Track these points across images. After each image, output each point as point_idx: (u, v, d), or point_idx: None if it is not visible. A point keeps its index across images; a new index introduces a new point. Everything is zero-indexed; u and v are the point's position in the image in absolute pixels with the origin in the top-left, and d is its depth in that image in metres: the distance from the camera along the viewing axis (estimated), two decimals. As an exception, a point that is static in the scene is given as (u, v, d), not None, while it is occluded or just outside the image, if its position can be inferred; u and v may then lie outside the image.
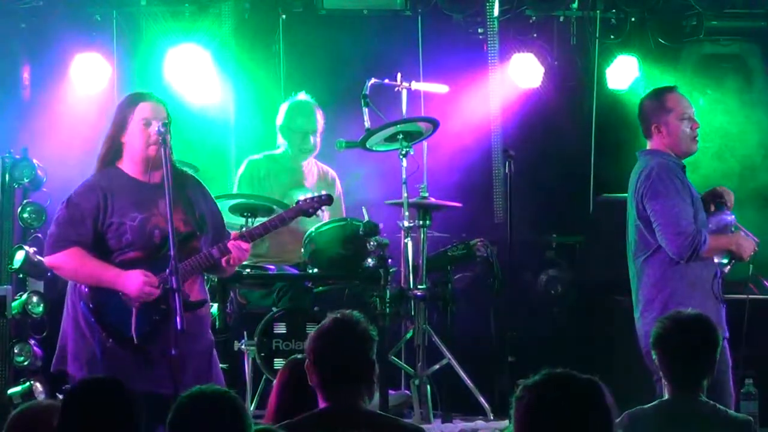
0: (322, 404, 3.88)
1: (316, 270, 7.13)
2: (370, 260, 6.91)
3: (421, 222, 7.04)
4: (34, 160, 7.70)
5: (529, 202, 8.34)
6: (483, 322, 8.07)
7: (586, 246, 8.68)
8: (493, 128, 8.87)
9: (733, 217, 5.99)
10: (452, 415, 7.04)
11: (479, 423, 6.93)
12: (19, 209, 7.66)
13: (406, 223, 6.95)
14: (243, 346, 6.87)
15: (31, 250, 7.52)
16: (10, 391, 7.30)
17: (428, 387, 6.93)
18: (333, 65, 8.56)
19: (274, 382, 4.62)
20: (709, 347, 4.31)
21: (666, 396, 4.34)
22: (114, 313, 5.42)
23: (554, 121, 8.94)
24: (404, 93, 7.39)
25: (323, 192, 6.16)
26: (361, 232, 6.94)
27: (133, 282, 5.38)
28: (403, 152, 7.01)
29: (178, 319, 5.03)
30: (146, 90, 5.81)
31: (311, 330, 4.18)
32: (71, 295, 5.55)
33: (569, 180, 8.97)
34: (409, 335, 7.06)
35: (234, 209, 6.99)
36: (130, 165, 5.57)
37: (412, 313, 6.96)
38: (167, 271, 5.16)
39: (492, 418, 6.95)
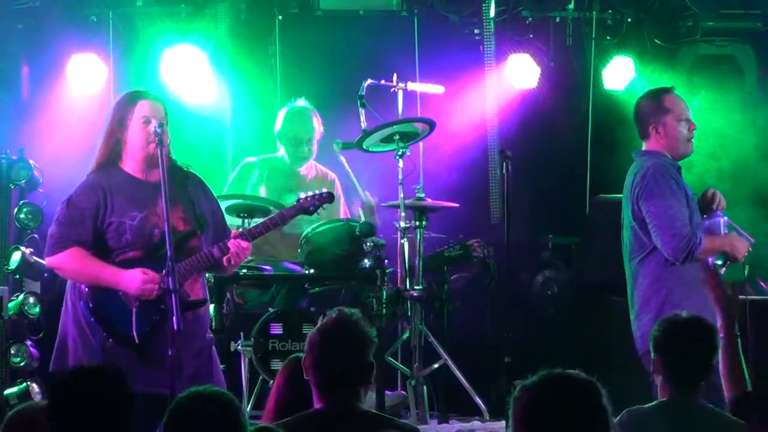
0: (317, 404, 3.88)
1: (312, 270, 7.13)
2: (366, 261, 6.92)
3: (417, 223, 7.04)
4: (31, 161, 7.67)
5: (526, 203, 8.34)
6: (479, 322, 8.07)
7: (583, 246, 8.68)
8: (490, 129, 8.88)
9: (726, 218, 5.99)
10: (449, 416, 7.04)
11: (476, 423, 6.92)
12: (16, 210, 7.64)
13: (402, 224, 6.95)
14: (239, 347, 6.86)
15: (28, 250, 7.50)
16: (7, 391, 7.27)
17: (425, 388, 6.92)
18: (329, 66, 8.55)
19: (274, 379, 4.62)
20: (708, 349, 4.32)
21: (662, 397, 4.35)
22: (114, 313, 5.42)
23: (551, 122, 8.94)
24: (400, 94, 7.39)
25: (324, 190, 6.16)
26: (357, 233, 6.94)
27: (133, 280, 5.38)
28: (400, 153, 7.00)
29: (174, 320, 5.03)
30: (144, 88, 5.79)
31: (308, 330, 4.19)
32: (71, 294, 5.54)
33: (566, 181, 8.97)
34: (405, 336, 7.06)
35: (230, 210, 6.99)
36: (130, 163, 5.56)
37: (409, 313, 6.95)
38: (164, 271, 5.17)
39: (488, 418, 6.94)
